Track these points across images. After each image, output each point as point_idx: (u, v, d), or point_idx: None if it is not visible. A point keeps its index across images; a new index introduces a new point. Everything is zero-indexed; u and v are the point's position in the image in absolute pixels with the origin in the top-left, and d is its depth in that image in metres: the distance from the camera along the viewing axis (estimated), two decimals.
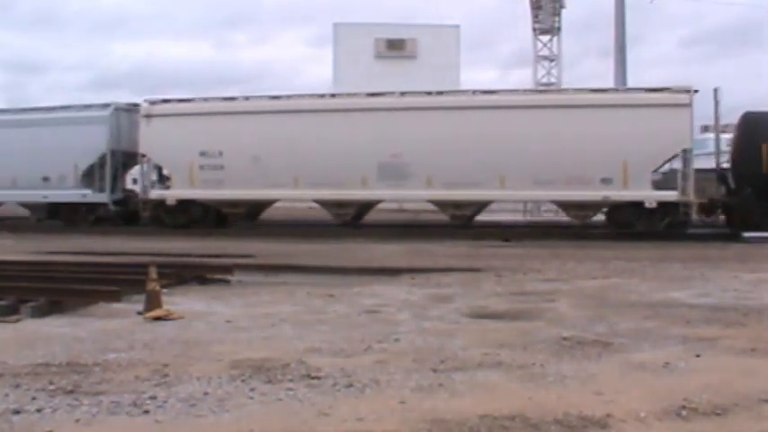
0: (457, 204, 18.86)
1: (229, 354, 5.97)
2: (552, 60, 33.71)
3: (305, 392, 4.90)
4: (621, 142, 17.46)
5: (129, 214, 21.65)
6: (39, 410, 4.54)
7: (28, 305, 8.08)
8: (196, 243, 16.81)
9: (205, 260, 12.61)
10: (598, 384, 5.02)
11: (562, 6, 33.28)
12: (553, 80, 33.25)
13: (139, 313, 7.83)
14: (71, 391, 4.92)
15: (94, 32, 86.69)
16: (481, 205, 19.82)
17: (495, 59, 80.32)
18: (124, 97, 70.88)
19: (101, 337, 6.73)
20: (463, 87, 31.88)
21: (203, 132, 19.97)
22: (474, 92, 19.53)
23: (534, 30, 33.73)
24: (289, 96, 20.60)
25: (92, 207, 21.62)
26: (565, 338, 6.44)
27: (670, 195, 17.68)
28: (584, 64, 68.57)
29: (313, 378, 5.22)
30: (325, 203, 20.03)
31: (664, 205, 17.73)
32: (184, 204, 20.46)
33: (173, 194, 20.57)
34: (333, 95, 21.67)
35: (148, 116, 20.62)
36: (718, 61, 72.06)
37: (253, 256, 13.56)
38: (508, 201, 22.04)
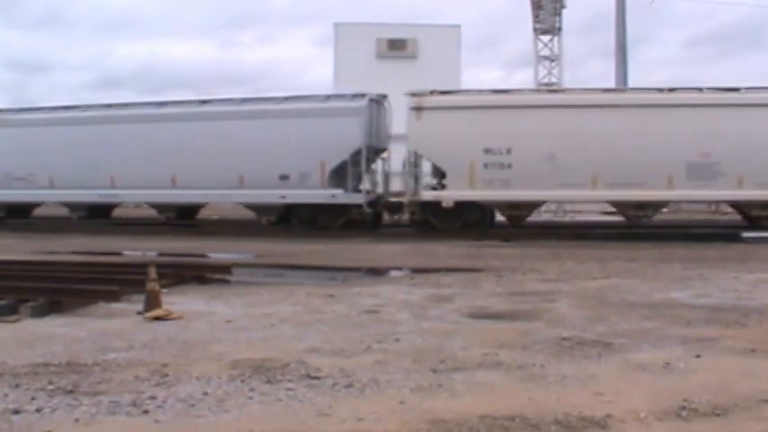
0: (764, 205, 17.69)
1: (229, 354, 5.97)
2: (553, 60, 33.73)
3: (305, 392, 4.89)
4: None
5: (375, 217, 19.96)
6: (38, 410, 4.54)
7: (27, 305, 8.08)
8: (196, 243, 16.81)
9: (205, 260, 12.61)
10: (598, 385, 5.02)
11: (563, 6, 33.29)
12: (554, 80, 33.27)
13: (139, 313, 7.83)
14: (70, 391, 4.91)
15: (100, 32, 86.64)
16: None
17: (500, 60, 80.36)
18: (127, 98, 71.01)
19: (100, 337, 6.72)
20: (464, 86, 31.88)
21: (488, 127, 18.00)
22: None
23: (535, 30, 33.74)
24: (586, 90, 19.09)
25: (342, 209, 19.19)
26: (565, 339, 6.44)
27: None
28: (589, 64, 68.59)
29: (313, 378, 5.22)
30: (622, 205, 18.64)
31: None
32: (459, 206, 18.53)
33: (450, 195, 18.39)
34: (633, 90, 19.50)
35: (419, 109, 18.40)
36: (723, 61, 72.05)
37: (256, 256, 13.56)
38: None
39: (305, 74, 73.59)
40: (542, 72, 33.58)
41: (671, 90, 18.34)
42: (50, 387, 5.00)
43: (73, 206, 21.89)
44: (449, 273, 11.36)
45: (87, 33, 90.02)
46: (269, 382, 5.15)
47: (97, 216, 22.11)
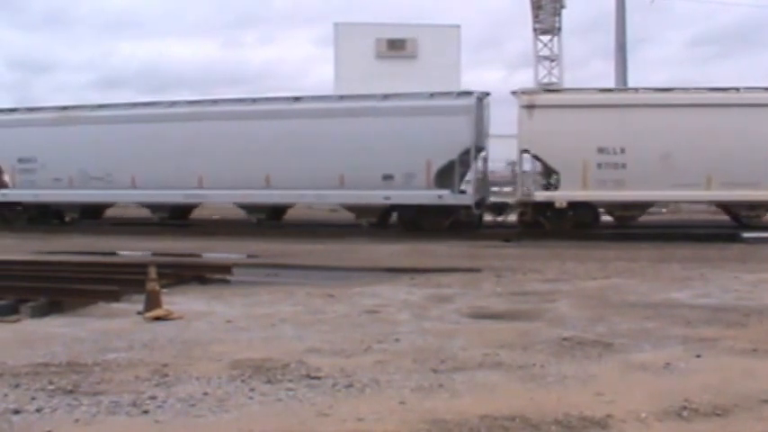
0: None
1: (229, 354, 5.96)
2: (553, 60, 33.76)
3: (305, 392, 4.89)
4: None
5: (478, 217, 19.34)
6: (38, 410, 4.54)
7: (28, 305, 8.08)
8: (197, 243, 16.81)
9: (205, 260, 12.61)
10: (598, 385, 5.02)
11: (562, 6, 33.33)
12: (554, 80, 33.30)
13: (139, 313, 7.83)
14: (71, 391, 4.91)
15: (103, 32, 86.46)
16: None
17: (500, 60, 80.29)
18: (129, 97, 70.88)
19: (100, 337, 6.72)
20: (463, 88, 31.87)
21: (602, 126, 17.57)
22: None
23: (535, 30, 33.80)
24: (701, 90, 18.38)
25: (448, 210, 18.46)
26: (565, 339, 6.44)
27: None
28: (590, 64, 68.49)
29: (313, 378, 5.22)
30: (735, 205, 18.36)
31: None
32: (571, 207, 17.98)
33: (563, 196, 17.86)
34: (748, 89, 18.59)
35: (530, 107, 17.82)
36: (723, 61, 71.95)
37: (256, 256, 13.57)
38: None
39: (307, 74, 73.57)
40: (542, 72, 33.65)
41: None
42: (50, 387, 5.00)
43: (155, 207, 21.00)
44: (449, 273, 11.35)
45: (90, 33, 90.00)
46: (269, 382, 5.15)
47: (177, 217, 21.41)
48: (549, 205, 18.01)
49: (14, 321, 7.66)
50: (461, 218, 18.54)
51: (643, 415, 4.33)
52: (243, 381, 5.17)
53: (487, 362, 5.69)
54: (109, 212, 23.24)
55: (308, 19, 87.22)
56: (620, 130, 17.51)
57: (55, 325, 7.47)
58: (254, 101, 20.14)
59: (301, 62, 75.59)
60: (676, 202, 19.75)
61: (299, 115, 19.02)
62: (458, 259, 13.46)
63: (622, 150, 17.48)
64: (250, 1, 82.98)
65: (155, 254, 14.52)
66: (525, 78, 43.10)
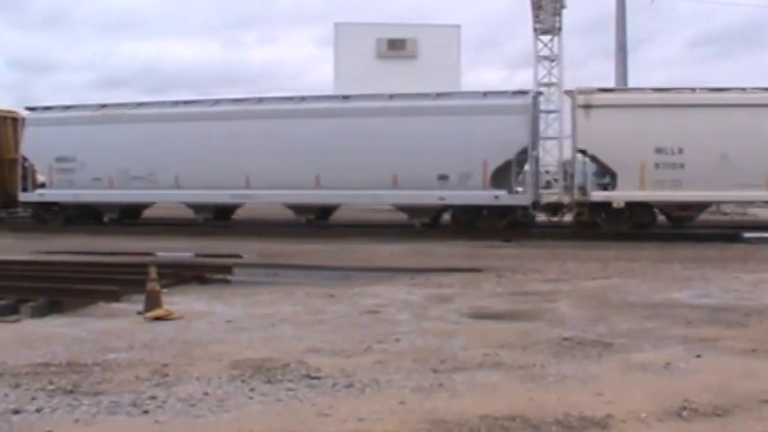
0: None
1: (229, 354, 5.96)
2: (553, 60, 33.73)
3: (305, 392, 4.89)
4: None
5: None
6: (38, 410, 4.54)
7: (28, 305, 8.09)
8: (197, 243, 16.81)
9: (205, 260, 12.61)
10: (599, 385, 5.02)
11: (563, 6, 33.28)
12: (554, 80, 33.28)
13: (139, 313, 7.82)
14: (71, 391, 4.91)
15: (103, 32, 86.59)
16: None
17: (500, 60, 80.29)
18: (129, 97, 70.86)
19: (100, 337, 6.72)
20: (464, 88, 31.95)
21: (660, 126, 17.42)
22: None
23: (535, 30, 33.73)
24: (759, 89, 18.13)
25: (505, 211, 18.16)
26: (565, 339, 6.44)
27: None
28: (589, 64, 68.51)
29: (313, 378, 5.22)
30: None
31: None
32: (628, 207, 17.80)
33: (621, 196, 17.69)
34: None
35: (587, 107, 17.70)
36: (724, 61, 72.01)
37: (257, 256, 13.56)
38: None
39: (307, 74, 73.61)
40: (542, 72, 33.60)
41: None
42: (50, 387, 5.00)
43: (199, 207, 20.39)
44: (449, 273, 11.35)
45: (90, 33, 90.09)
46: (269, 382, 5.15)
47: (220, 218, 20.84)
48: (605, 206, 17.87)
49: (14, 321, 7.67)
50: (518, 218, 18.34)
51: (643, 415, 4.33)
52: (243, 381, 5.17)
53: (487, 362, 5.69)
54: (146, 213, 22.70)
55: (309, 19, 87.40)
56: (677, 130, 17.41)
57: (55, 325, 7.47)
58: (302, 99, 19.85)
59: (302, 62, 75.70)
60: (732, 202, 19.73)
61: (349, 114, 18.82)
62: (458, 259, 13.46)
63: (680, 150, 17.40)
64: (251, 1, 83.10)
65: (160, 254, 14.52)
66: (525, 78, 43.20)
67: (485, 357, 5.80)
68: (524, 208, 18.14)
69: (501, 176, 17.86)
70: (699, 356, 5.82)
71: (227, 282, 10.55)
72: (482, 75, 68.50)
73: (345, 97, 19.73)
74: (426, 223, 18.75)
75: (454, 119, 18.00)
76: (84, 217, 21.22)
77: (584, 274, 11.20)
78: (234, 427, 4.25)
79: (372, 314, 7.86)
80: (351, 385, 5.04)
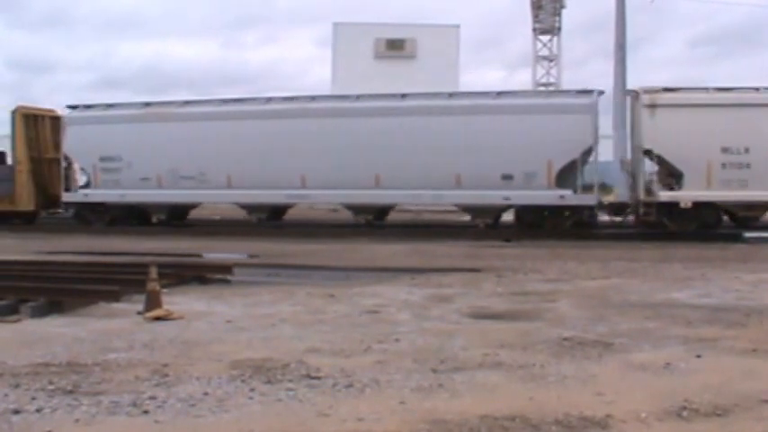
0: None
1: (229, 354, 5.96)
2: (552, 60, 33.76)
3: (305, 392, 4.89)
4: None
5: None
6: (38, 410, 4.53)
7: (28, 305, 8.08)
8: (197, 243, 16.81)
9: (206, 260, 12.61)
10: (599, 385, 5.02)
11: (562, 6, 33.33)
12: (552, 80, 33.32)
13: (139, 313, 7.82)
14: (71, 391, 4.91)
15: (103, 32, 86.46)
16: None
17: (501, 60, 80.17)
18: (128, 98, 70.81)
19: (101, 337, 6.72)
20: (462, 89, 31.94)
21: (726, 126, 17.34)
22: None
23: (534, 30, 33.81)
24: None
25: (571, 211, 18.15)
26: (565, 339, 6.44)
27: None
28: (588, 64, 68.43)
29: (313, 378, 5.21)
30: None
31: None
32: (695, 207, 17.67)
33: (688, 196, 17.56)
34: None
35: (652, 106, 17.56)
36: (724, 61, 71.89)
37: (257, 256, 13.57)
38: None
39: (307, 74, 73.58)
40: (541, 72, 33.64)
41: None
42: (50, 387, 5.00)
43: (253, 207, 20.11)
44: (449, 273, 11.36)
45: (90, 33, 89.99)
46: (269, 382, 5.15)
47: (273, 218, 20.70)
48: (671, 206, 17.78)
49: (14, 321, 7.66)
50: (584, 218, 18.27)
51: (643, 415, 4.33)
52: (243, 381, 5.17)
53: (488, 362, 5.68)
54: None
55: (309, 19, 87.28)
56: (744, 130, 17.33)
57: (55, 325, 7.46)
58: (357, 98, 19.62)
59: (302, 62, 75.63)
60: None
61: (409, 113, 18.56)
62: (458, 259, 13.46)
63: (746, 150, 17.32)
64: (251, 1, 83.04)
65: (160, 254, 14.51)
66: (525, 79, 43.14)
67: (485, 357, 5.80)
68: (590, 208, 18.05)
69: (566, 176, 17.69)
70: (699, 356, 5.81)
71: (227, 282, 10.55)
72: (481, 75, 68.45)
73: (403, 95, 19.33)
74: (489, 224, 18.57)
75: (518, 118, 17.78)
76: (130, 218, 20.79)
77: (585, 273, 11.20)
78: (234, 427, 4.25)
79: (372, 314, 7.86)
80: (351, 385, 5.04)
